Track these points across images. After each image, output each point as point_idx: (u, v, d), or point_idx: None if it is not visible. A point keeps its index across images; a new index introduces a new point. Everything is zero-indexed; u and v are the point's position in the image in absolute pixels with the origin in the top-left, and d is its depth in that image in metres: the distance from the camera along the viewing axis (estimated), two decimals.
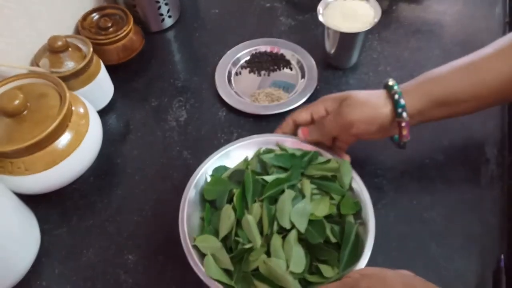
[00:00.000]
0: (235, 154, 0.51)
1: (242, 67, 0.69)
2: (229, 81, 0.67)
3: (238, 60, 0.70)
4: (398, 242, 0.49)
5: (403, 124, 0.46)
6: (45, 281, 0.49)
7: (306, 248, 0.43)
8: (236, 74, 0.69)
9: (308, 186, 0.46)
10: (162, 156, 0.59)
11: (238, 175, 0.48)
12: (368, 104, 0.47)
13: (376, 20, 0.60)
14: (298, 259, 0.42)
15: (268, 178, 0.47)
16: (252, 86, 0.67)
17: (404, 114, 0.46)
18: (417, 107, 0.46)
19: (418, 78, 0.48)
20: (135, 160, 0.59)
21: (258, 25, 0.76)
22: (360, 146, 0.57)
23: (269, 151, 0.51)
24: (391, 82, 0.47)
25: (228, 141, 0.60)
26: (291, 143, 0.51)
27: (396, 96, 0.46)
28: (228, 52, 0.70)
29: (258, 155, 0.51)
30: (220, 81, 0.66)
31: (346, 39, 0.62)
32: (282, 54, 0.70)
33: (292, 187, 0.46)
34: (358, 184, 0.47)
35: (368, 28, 0.60)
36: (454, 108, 0.47)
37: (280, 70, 0.68)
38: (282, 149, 0.51)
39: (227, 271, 0.42)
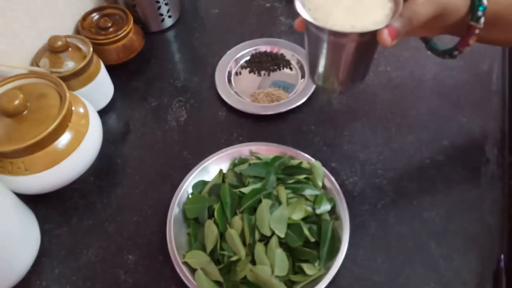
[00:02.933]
0: (212, 169, 0.54)
1: (242, 67, 0.69)
2: (229, 81, 0.67)
3: (238, 60, 0.70)
4: (397, 242, 0.49)
5: (476, 31, 0.41)
6: (45, 281, 0.49)
7: (288, 251, 0.45)
8: (236, 74, 0.69)
9: (283, 192, 0.49)
10: (162, 156, 0.59)
11: (216, 189, 0.50)
12: None
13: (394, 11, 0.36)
14: (281, 263, 0.44)
15: (245, 190, 0.49)
16: (252, 86, 0.67)
17: (482, 20, 0.40)
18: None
19: None
20: (135, 160, 0.59)
21: (258, 25, 0.76)
22: (361, 146, 0.57)
23: (243, 161, 0.54)
24: None
25: (228, 141, 0.60)
26: (264, 151, 0.54)
27: None
28: (228, 52, 0.70)
29: (233, 167, 0.53)
30: (220, 81, 0.66)
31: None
32: (282, 54, 0.70)
33: (268, 195, 0.49)
34: (330, 181, 0.51)
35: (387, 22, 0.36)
36: (504, 32, 0.42)
37: (280, 70, 0.68)
38: (256, 157, 0.54)
39: (217, 283, 0.45)
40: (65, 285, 0.49)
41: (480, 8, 0.40)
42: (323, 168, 0.52)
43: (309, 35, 0.38)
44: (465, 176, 0.54)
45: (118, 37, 0.66)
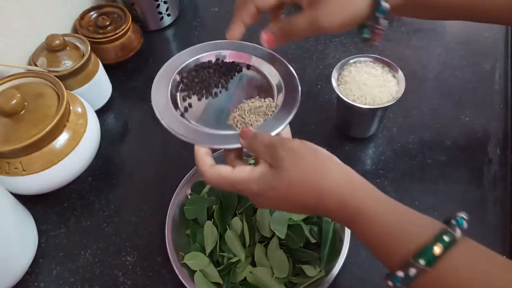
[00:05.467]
0: None
1: (184, 98, 0.45)
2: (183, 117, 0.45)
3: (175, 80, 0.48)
4: None
5: (376, 31, 0.40)
6: (43, 282, 0.49)
7: (288, 252, 0.45)
8: (186, 110, 0.45)
9: None
10: (161, 156, 0.59)
11: (215, 190, 0.50)
12: (347, 4, 0.38)
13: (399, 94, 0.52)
14: (282, 264, 0.44)
15: None
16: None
17: (383, 22, 0.39)
18: (395, 3, 0.39)
19: None
20: (133, 160, 0.59)
21: (258, 24, 0.75)
22: (361, 146, 0.57)
23: None
24: None
25: None
26: None
27: None
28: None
29: None
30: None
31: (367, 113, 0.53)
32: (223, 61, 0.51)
33: None
34: None
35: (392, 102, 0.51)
36: (436, 11, 0.43)
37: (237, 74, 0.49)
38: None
39: (217, 284, 0.44)
40: (63, 286, 0.48)
41: (379, 11, 0.39)
42: None
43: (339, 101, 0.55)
44: (467, 176, 0.53)
45: (116, 35, 0.65)
